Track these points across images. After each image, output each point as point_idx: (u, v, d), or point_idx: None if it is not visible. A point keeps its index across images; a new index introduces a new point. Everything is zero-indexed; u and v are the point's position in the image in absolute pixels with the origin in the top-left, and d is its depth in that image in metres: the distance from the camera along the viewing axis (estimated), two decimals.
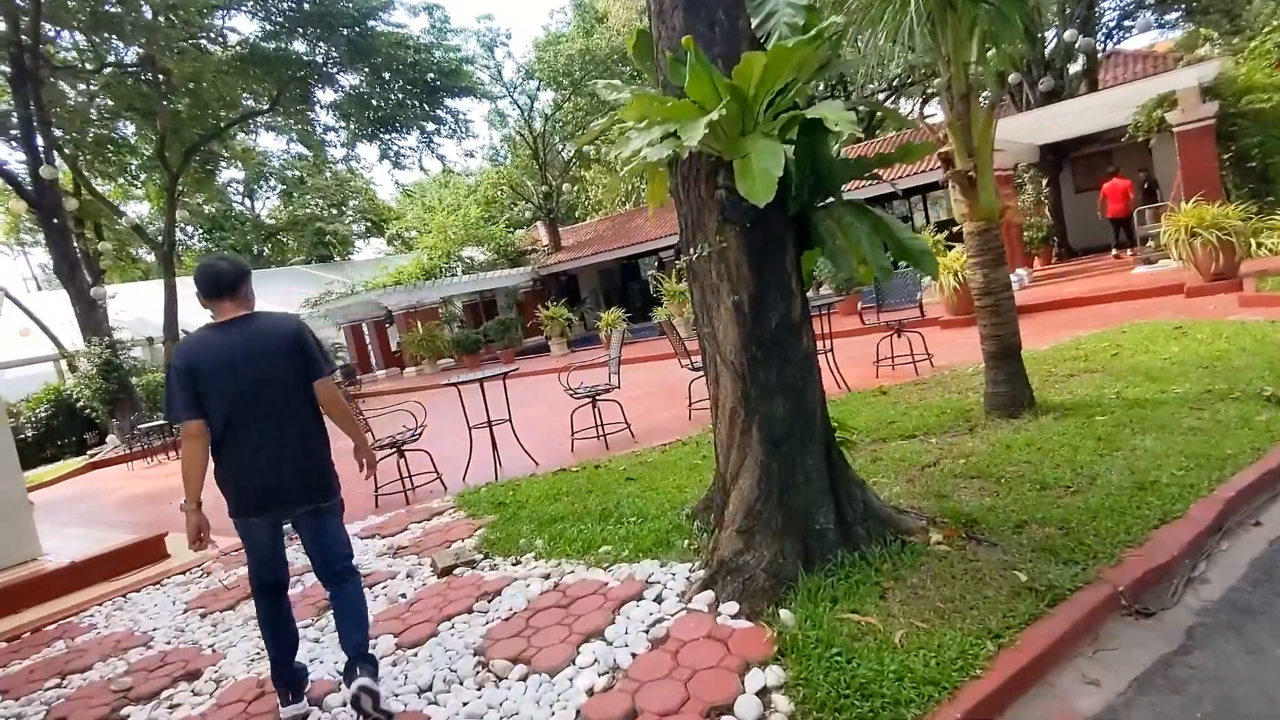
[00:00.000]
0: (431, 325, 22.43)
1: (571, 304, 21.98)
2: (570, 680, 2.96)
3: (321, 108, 23.15)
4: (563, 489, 5.76)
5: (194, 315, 6.60)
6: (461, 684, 3.12)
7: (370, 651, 3.03)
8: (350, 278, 27.23)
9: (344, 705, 3.03)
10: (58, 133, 19.10)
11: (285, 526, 3.15)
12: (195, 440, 2.94)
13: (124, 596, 5.39)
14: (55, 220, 17.72)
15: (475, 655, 3.32)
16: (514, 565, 4.37)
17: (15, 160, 19.06)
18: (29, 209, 18.67)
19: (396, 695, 3.12)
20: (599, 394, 7.60)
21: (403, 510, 6.34)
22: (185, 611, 4.79)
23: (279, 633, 3.12)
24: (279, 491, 3.01)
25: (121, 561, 5.95)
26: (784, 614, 3.09)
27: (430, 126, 24.28)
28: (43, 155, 17.60)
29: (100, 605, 5.28)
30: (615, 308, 19.12)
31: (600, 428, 7.65)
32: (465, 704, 2.95)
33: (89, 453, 18.05)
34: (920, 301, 8.74)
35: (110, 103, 20.95)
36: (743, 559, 3.32)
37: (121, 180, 25.08)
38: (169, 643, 4.31)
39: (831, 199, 3.57)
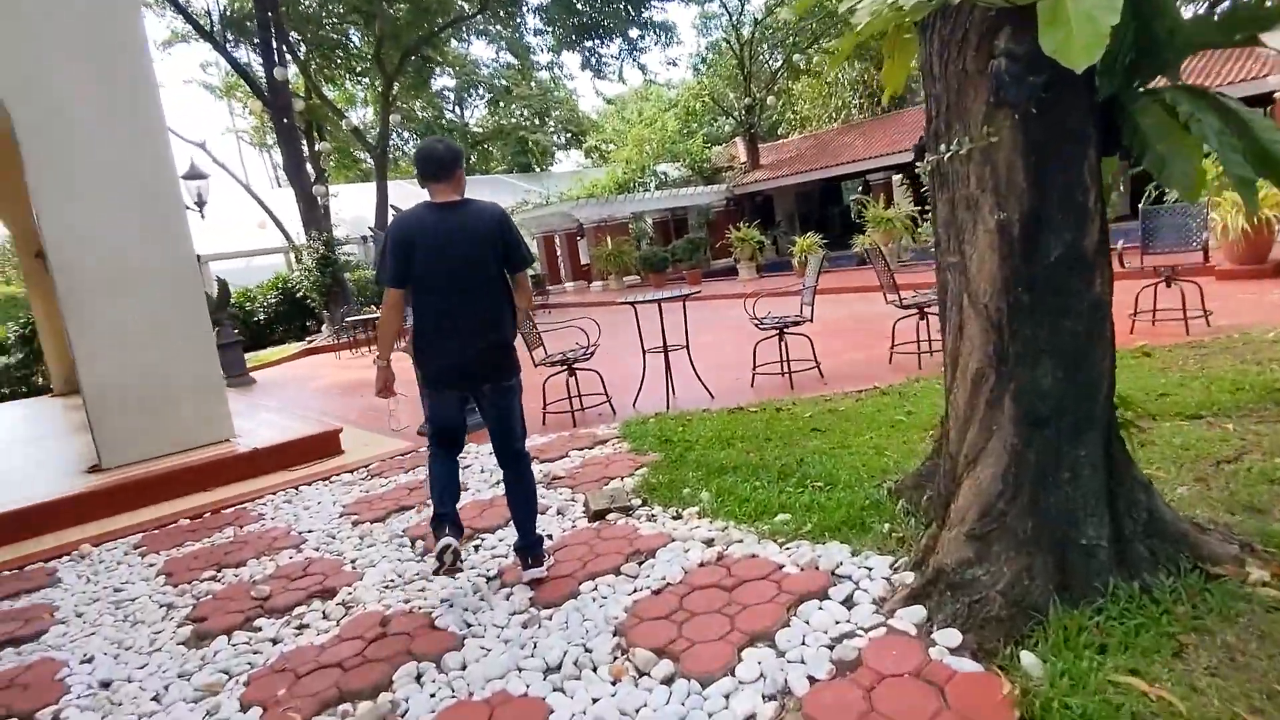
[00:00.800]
0: (621, 241, 22.19)
1: (765, 226, 20.84)
2: (726, 698, 2.30)
3: (529, 11, 22.94)
4: (737, 432, 5.07)
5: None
6: (595, 670, 2.57)
7: (538, 533, 3.39)
8: (548, 188, 27.55)
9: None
10: (293, 36, 20.35)
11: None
12: (394, 308, 3.23)
13: (295, 489, 5.42)
14: (285, 120, 18.98)
15: (616, 635, 2.75)
16: (674, 519, 3.76)
17: (255, 63, 20.61)
18: (264, 108, 20.10)
19: (520, 671, 2.63)
20: (787, 326, 6.74)
21: (566, 433, 5.95)
22: (340, 515, 4.67)
23: (446, 483, 3.34)
24: (467, 367, 3.20)
25: (299, 452, 6.04)
26: (1027, 659, 2.24)
27: (634, 33, 23.42)
28: (277, 58, 18.80)
29: (274, 494, 5.34)
30: (811, 233, 17.77)
31: (786, 364, 6.82)
32: (595, 700, 2.40)
33: (307, 339, 19.73)
34: (1205, 244, 6.98)
35: (338, 8, 21.99)
36: (972, 572, 2.47)
37: (345, 84, 26.54)
38: (317, 549, 4.16)
39: (1163, 81, 2.46)
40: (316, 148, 20.41)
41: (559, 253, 26.88)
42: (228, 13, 21.38)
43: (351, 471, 5.66)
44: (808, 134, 28.24)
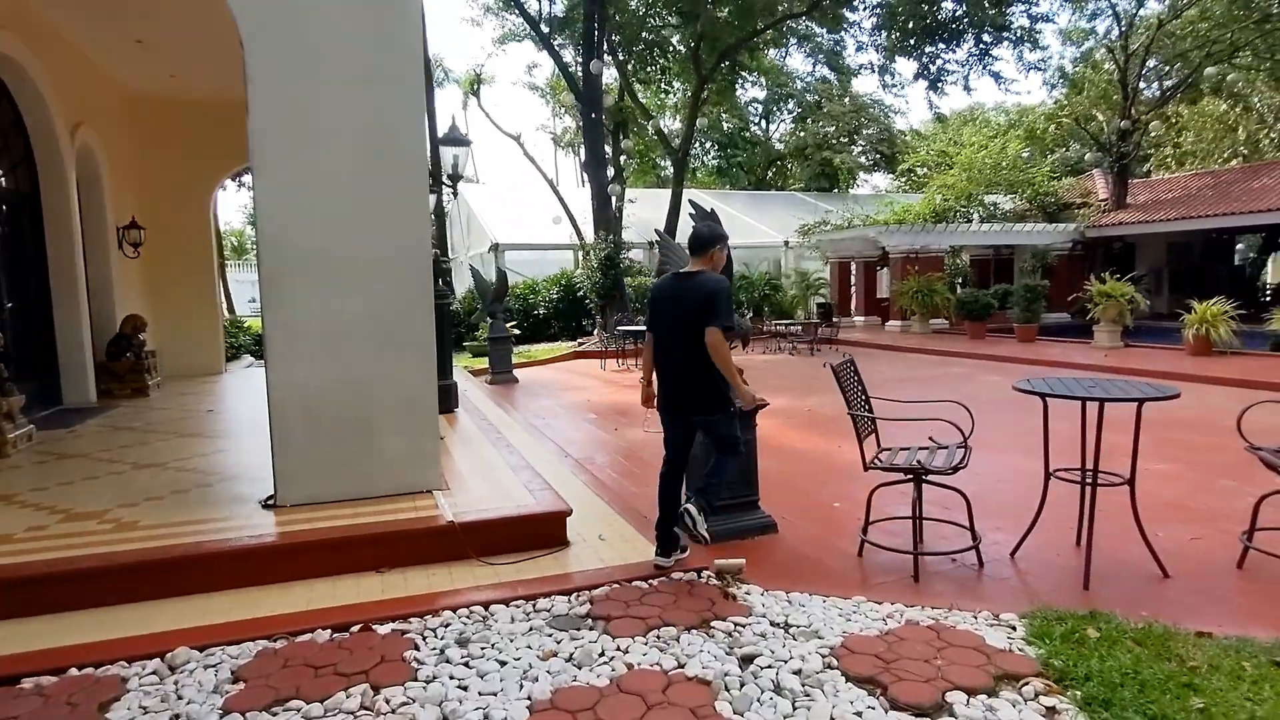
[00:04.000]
0: (933, 277, 18.86)
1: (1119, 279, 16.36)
2: None
3: (864, 9, 20.37)
4: None
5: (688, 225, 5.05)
6: None
7: (708, 499, 3.91)
8: (849, 210, 24.81)
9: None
10: (614, 37, 19.79)
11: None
12: (648, 346, 4.08)
13: (486, 610, 3.54)
14: (593, 115, 18.36)
15: None
16: None
17: (575, 64, 20.34)
18: (575, 101, 19.69)
19: None
20: None
21: (907, 609, 3.47)
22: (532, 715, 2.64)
23: (668, 493, 4.03)
24: (675, 400, 3.94)
25: (509, 537, 4.21)
26: None
27: (987, 38, 19.83)
28: (595, 53, 18.22)
29: (453, 613, 3.49)
30: (1219, 298, 13.25)
31: None
32: None
33: (578, 340, 18.97)
34: None
35: (661, 9, 21.15)
36: None
37: (658, 84, 25.87)
38: None
39: None
40: (623, 145, 19.64)
41: (852, 282, 24.01)
42: (556, 14, 21.44)
43: (569, 594, 3.66)
44: (1200, 171, 22.51)
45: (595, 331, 18.78)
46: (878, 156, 38.13)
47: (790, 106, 39.01)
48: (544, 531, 4.26)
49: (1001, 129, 25.54)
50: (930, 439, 4.55)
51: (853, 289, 23.86)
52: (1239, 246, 23.68)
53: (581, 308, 20.25)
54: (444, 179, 8.36)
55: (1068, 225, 20.85)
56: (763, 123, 39.81)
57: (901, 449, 4.51)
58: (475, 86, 24.91)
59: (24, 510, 4.51)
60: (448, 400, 7.89)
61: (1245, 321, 13.01)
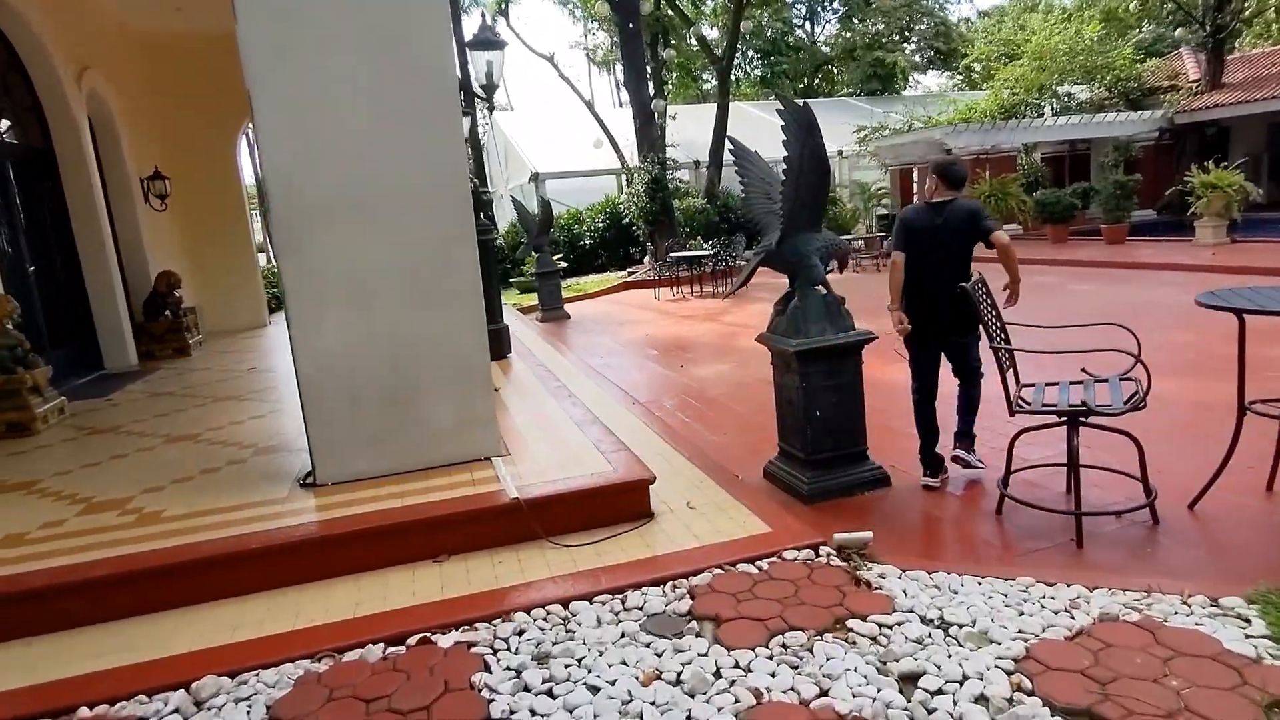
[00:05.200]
0: (1007, 178, 17.39)
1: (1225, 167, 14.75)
2: None
3: None
4: None
5: (746, 138, 4.19)
6: None
7: (973, 432, 4.16)
8: (907, 112, 23.10)
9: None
10: None
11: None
12: (898, 271, 4.02)
13: (565, 609, 2.93)
14: (630, 25, 17.07)
15: None
16: None
17: None
18: (609, 12, 18.38)
19: None
20: None
21: (1068, 553, 2.76)
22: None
23: (927, 424, 4.16)
24: (942, 322, 4.02)
25: (585, 511, 3.58)
26: None
27: None
28: None
29: (528, 615, 2.88)
30: None
31: None
32: None
33: (628, 270, 18.15)
34: None
35: None
36: None
37: None
38: None
39: None
40: (664, 54, 18.33)
41: (915, 190, 22.52)
42: None
43: (663, 584, 3.03)
44: None
45: (646, 260, 17.93)
46: (932, 53, 35.59)
47: (835, 5, 36.53)
48: (624, 503, 3.62)
49: (1069, 11, 23.16)
50: (1083, 370, 3.73)
51: (915, 198, 22.39)
52: None
53: (629, 235, 19.35)
54: (477, 91, 7.47)
55: (1154, 112, 18.96)
56: (807, 24, 37.41)
57: (1049, 384, 3.71)
58: (503, 3, 23.56)
59: (43, 501, 4.04)
60: (500, 346, 7.27)
61: None
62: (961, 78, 35.12)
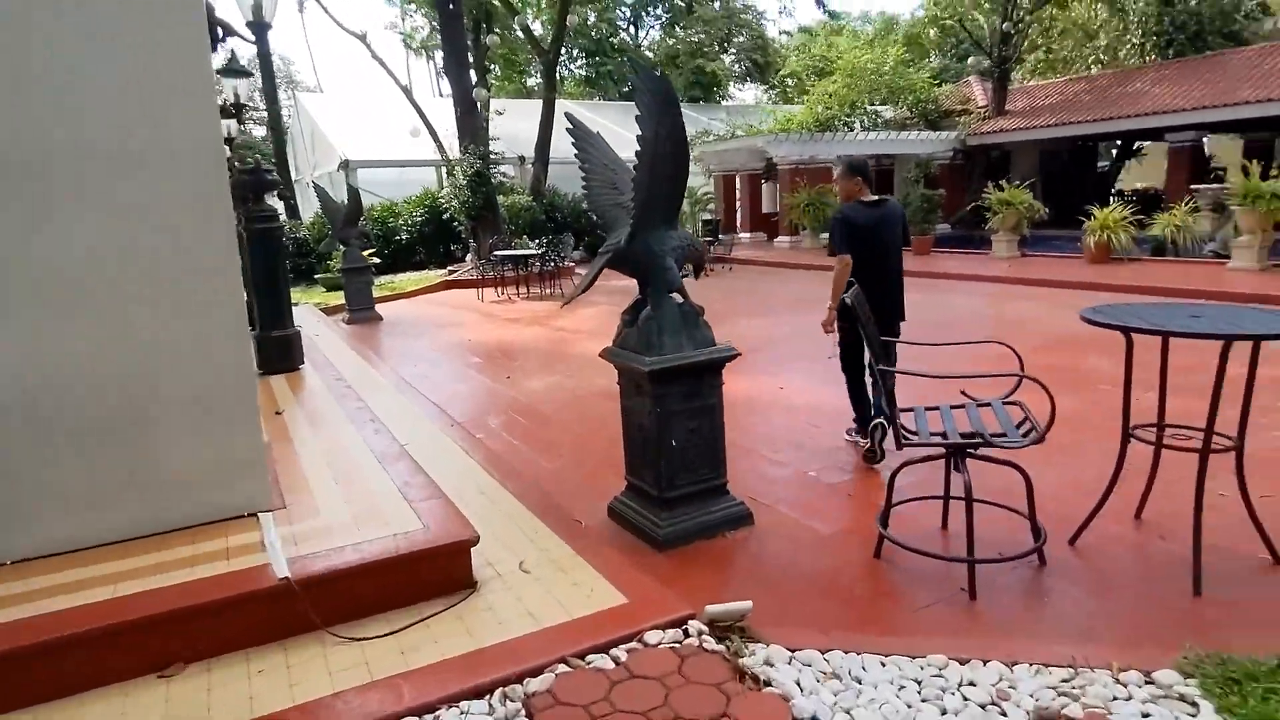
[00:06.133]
0: (824, 188, 17.99)
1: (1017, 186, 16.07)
2: None
3: None
4: None
5: (564, 139, 3.51)
6: None
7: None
8: (728, 121, 23.49)
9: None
10: None
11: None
12: (845, 270, 4.23)
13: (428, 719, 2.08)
14: (452, 5, 15.90)
15: None
16: None
17: None
18: None
19: None
20: None
21: (961, 608, 2.31)
22: None
23: (859, 398, 4.51)
24: (888, 311, 4.30)
25: (381, 584, 2.71)
26: None
27: None
28: None
29: None
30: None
31: None
32: None
33: (449, 268, 16.94)
34: None
35: None
36: None
37: None
38: None
39: None
40: (484, 40, 17.26)
41: (738, 197, 22.94)
42: None
43: (489, 693, 2.25)
44: (1074, 76, 22.64)
45: (468, 258, 16.81)
46: (750, 65, 36.86)
47: (659, 12, 36.90)
48: (437, 572, 2.79)
49: (871, 37, 24.67)
50: (963, 393, 3.38)
51: (738, 204, 22.82)
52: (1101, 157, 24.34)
53: (450, 232, 18.10)
54: (233, 27, 6.22)
55: (949, 133, 20.47)
56: (632, 28, 37.52)
57: (928, 409, 3.32)
58: None
59: None
60: (289, 356, 6.10)
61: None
62: (777, 91, 36.63)
